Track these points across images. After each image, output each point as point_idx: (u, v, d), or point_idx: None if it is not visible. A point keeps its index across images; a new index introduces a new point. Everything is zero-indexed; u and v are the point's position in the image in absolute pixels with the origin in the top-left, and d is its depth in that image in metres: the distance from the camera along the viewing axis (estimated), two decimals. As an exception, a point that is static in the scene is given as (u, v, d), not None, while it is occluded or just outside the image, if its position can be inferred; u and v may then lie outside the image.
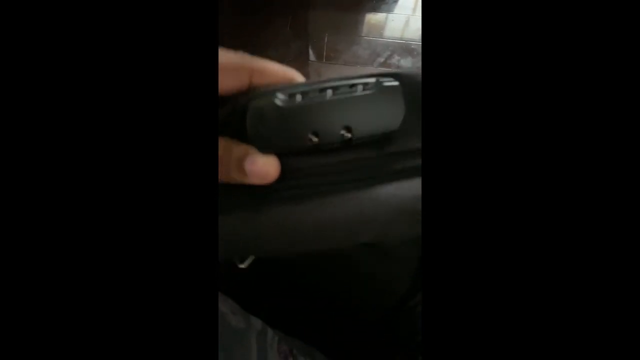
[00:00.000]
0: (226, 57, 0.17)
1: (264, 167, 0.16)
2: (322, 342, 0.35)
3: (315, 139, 0.16)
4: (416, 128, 0.17)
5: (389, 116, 0.17)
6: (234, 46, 0.17)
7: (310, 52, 1.15)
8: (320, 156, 0.17)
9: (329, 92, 0.16)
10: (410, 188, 0.17)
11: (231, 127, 0.17)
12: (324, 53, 1.13)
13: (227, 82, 0.17)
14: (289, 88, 0.17)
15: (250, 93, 0.17)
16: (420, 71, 0.17)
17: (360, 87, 0.17)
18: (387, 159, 0.18)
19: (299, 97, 0.16)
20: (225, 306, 0.29)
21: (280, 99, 0.16)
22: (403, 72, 0.17)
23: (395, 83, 0.17)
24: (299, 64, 1.14)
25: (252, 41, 1.15)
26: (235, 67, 0.17)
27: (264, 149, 0.16)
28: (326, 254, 0.30)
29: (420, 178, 0.17)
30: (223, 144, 0.17)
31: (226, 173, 0.17)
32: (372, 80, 0.17)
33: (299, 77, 0.18)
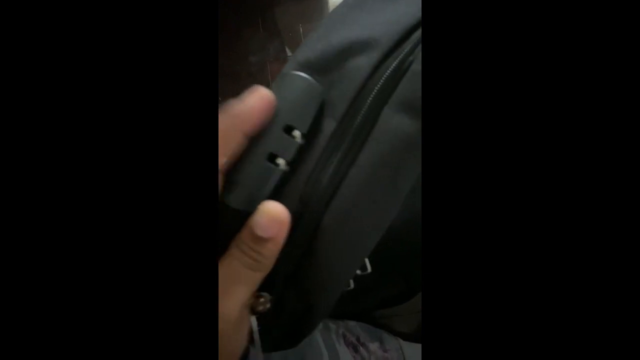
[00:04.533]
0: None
1: (272, 216, 0.16)
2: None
3: (281, 162, 0.17)
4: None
5: (307, 91, 0.17)
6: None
7: (287, 49, 1.14)
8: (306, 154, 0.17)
9: None
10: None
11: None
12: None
13: (226, 147, 0.16)
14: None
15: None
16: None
17: None
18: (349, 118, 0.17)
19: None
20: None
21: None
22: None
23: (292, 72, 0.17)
24: (280, 62, 1.13)
25: (228, 54, 1.15)
26: (226, 131, 0.16)
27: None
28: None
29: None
30: (232, 255, 0.16)
31: (259, 263, 0.16)
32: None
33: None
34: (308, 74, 0.17)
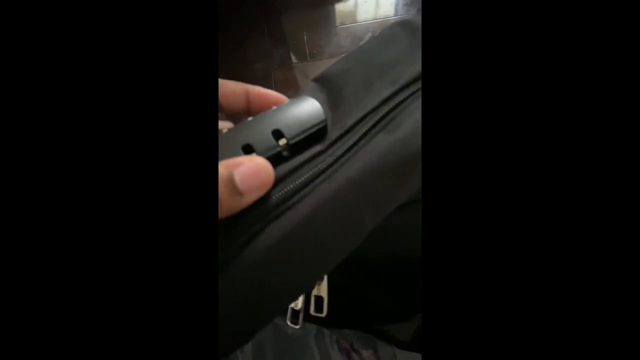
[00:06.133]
0: (223, 83, 0.19)
1: (258, 172, 0.14)
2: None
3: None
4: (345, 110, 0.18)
5: (311, 112, 0.18)
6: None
7: (292, 55, 1.15)
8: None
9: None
10: (373, 149, 0.17)
11: None
12: (307, 51, 1.13)
13: (228, 103, 0.19)
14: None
15: None
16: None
17: None
18: (338, 145, 0.17)
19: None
20: (279, 318, 0.30)
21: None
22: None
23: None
24: (285, 70, 1.14)
25: (233, 58, 1.16)
26: (233, 89, 0.19)
27: None
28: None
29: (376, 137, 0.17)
30: None
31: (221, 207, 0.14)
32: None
33: (284, 98, 0.20)
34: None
